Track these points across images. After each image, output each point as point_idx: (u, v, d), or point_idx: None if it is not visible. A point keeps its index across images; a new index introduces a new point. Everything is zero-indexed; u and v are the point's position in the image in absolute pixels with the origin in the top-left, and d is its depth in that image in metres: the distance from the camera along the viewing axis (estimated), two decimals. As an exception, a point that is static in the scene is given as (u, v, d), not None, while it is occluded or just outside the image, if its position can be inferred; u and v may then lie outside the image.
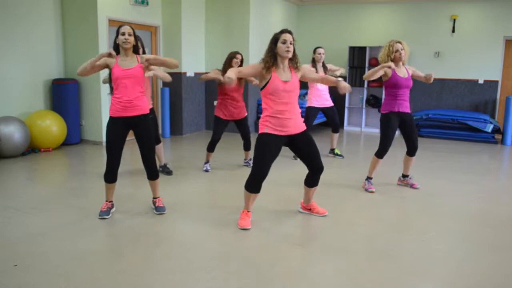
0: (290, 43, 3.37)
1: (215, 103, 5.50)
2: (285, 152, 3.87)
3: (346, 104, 9.53)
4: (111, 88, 3.70)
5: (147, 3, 7.53)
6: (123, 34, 3.56)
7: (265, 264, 2.96)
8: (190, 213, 3.96)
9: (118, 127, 3.61)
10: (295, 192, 4.35)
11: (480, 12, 8.64)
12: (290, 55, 3.39)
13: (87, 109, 7.01)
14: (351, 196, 4.53)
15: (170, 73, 7.89)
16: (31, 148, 6.24)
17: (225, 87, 5.24)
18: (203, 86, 8.60)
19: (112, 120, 3.61)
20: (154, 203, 3.94)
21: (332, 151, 6.46)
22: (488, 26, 8.58)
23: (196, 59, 8.40)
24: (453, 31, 8.82)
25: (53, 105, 6.75)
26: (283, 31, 3.44)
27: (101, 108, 6.87)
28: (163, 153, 5.25)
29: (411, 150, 4.71)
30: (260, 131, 3.45)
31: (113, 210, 3.84)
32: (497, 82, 8.69)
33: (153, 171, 3.82)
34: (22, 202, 4.13)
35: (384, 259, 3.07)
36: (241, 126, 5.47)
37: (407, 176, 4.88)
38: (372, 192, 4.61)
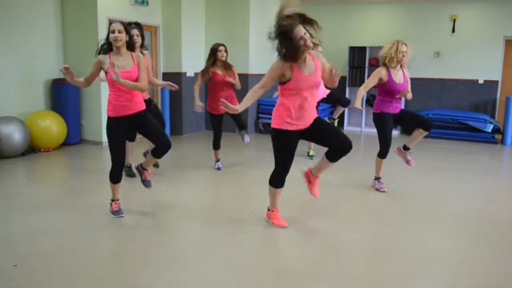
0: (305, 34, 3.13)
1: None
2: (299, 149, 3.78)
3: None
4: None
5: (147, 3, 7.53)
6: (113, 31, 3.45)
7: (265, 264, 2.96)
8: (191, 213, 3.95)
9: (118, 126, 3.58)
10: (295, 193, 4.35)
11: (480, 12, 8.63)
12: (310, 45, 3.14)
13: (87, 109, 7.01)
14: (351, 196, 4.53)
15: (170, 73, 7.97)
16: (31, 148, 6.24)
17: (214, 81, 5.19)
18: (203, 86, 8.56)
19: (111, 120, 3.59)
20: (142, 174, 3.87)
21: (331, 118, 6.41)
22: (488, 26, 8.58)
23: (196, 59, 8.39)
24: (453, 31, 8.82)
25: (53, 105, 6.75)
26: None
27: (101, 108, 6.86)
28: (132, 154, 5.04)
29: (425, 125, 4.47)
30: (277, 126, 3.32)
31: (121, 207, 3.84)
32: (497, 82, 8.69)
33: (168, 144, 3.66)
34: (22, 202, 4.13)
35: (384, 259, 3.07)
36: (235, 116, 5.35)
37: (408, 149, 4.77)
38: (384, 191, 4.60)
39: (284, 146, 3.36)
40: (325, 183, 4.80)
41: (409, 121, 4.62)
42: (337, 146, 3.36)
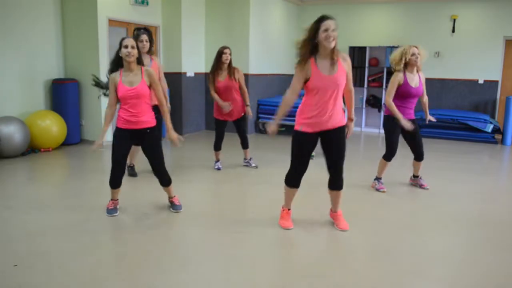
0: (333, 31, 3.06)
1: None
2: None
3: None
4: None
5: (147, 3, 7.53)
6: (126, 47, 3.46)
7: (265, 264, 2.96)
8: (191, 213, 3.95)
9: (124, 138, 3.64)
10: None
11: (480, 12, 8.64)
12: (333, 44, 3.09)
13: (87, 109, 7.01)
14: (350, 196, 4.52)
15: (169, 73, 7.97)
16: (31, 148, 6.24)
17: (217, 88, 5.20)
18: (203, 86, 8.60)
19: (119, 131, 3.63)
20: (170, 202, 3.96)
21: None
22: (488, 26, 8.58)
23: (196, 59, 8.40)
24: (453, 31, 8.82)
25: (53, 105, 6.75)
26: (324, 18, 3.12)
27: (101, 108, 6.86)
28: (136, 154, 5.07)
29: (418, 156, 4.70)
30: (295, 126, 3.35)
31: (118, 206, 3.87)
32: (497, 82, 8.69)
33: (164, 179, 3.81)
34: (22, 202, 4.13)
35: (384, 259, 3.07)
36: (238, 125, 5.45)
37: (417, 176, 4.88)
38: (383, 191, 4.61)
39: (298, 146, 3.37)
40: (325, 183, 4.80)
41: (409, 140, 4.64)
42: (331, 165, 3.43)
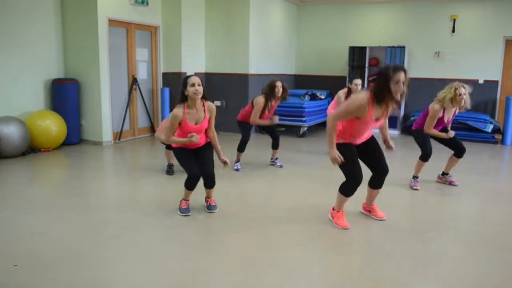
0: (403, 83, 3.14)
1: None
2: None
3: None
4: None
5: (147, 3, 7.53)
6: (193, 85, 3.58)
7: (265, 264, 2.96)
8: (192, 213, 3.95)
9: (185, 150, 3.81)
10: (296, 193, 4.36)
11: (480, 12, 8.63)
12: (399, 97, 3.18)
13: (87, 109, 7.01)
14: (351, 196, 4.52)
15: (170, 73, 7.97)
16: (31, 148, 6.24)
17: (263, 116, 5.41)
18: (203, 86, 8.58)
19: (178, 149, 3.81)
20: (206, 201, 4.03)
21: None
22: (488, 26, 8.58)
23: (196, 59, 8.40)
24: (453, 31, 8.82)
25: (53, 105, 6.75)
26: (398, 69, 3.14)
27: (101, 108, 6.87)
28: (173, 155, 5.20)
29: (459, 153, 4.86)
30: (337, 140, 3.46)
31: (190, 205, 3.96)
32: (497, 82, 8.69)
33: (212, 182, 3.89)
34: (22, 202, 4.13)
35: (384, 259, 3.07)
36: (271, 129, 5.68)
37: (447, 174, 5.04)
38: (416, 189, 4.75)
39: (346, 154, 3.40)
40: (326, 182, 4.81)
41: (447, 143, 4.85)
42: (377, 170, 3.62)
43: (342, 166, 3.45)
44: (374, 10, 9.41)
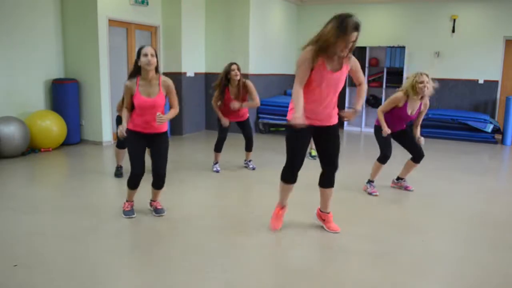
0: (353, 42, 3.11)
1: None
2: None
3: (346, 104, 9.53)
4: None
5: (147, 3, 7.53)
6: (146, 55, 3.45)
7: (265, 264, 2.96)
8: (190, 213, 3.95)
9: (138, 138, 3.64)
10: (295, 193, 4.34)
11: (480, 12, 8.64)
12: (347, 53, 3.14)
13: (87, 109, 7.01)
14: (351, 196, 4.52)
15: (170, 73, 7.97)
16: (31, 148, 6.24)
17: (227, 100, 5.24)
18: (203, 86, 8.60)
19: (130, 133, 3.63)
20: (151, 204, 3.92)
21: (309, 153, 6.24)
22: (488, 26, 8.58)
23: (196, 59, 8.40)
24: (453, 31, 8.82)
25: (53, 105, 6.75)
26: (356, 28, 3.26)
27: (101, 108, 6.87)
28: (123, 156, 4.99)
29: (418, 158, 4.62)
30: (289, 117, 3.25)
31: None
32: (497, 82, 8.69)
33: (161, 182, 3.77)
34: (22, 202, 4.13)
35: (384, 259, 3.07)
36: (244, 127, 5.48)
37: (402, 179, 4.82)
38: (376, 195, 4.55)
39: (293, 138, 3.32)
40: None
41: (406, 145, 4.63)
42: (326, 163, 3.41)
43: (286, 146, 3.37)
44: (374, 10, 9.41)
